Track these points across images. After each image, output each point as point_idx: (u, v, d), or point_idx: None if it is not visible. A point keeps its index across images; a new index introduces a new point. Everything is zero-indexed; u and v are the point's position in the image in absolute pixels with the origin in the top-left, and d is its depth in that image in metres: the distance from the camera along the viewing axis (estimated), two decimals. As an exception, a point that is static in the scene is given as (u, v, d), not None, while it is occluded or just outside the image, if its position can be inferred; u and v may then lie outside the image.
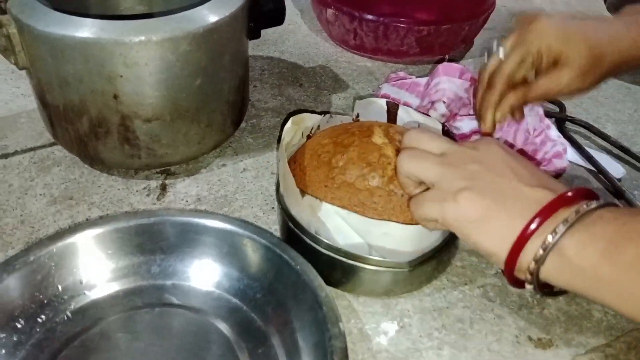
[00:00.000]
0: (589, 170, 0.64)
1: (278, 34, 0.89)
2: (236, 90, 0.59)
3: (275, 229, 0.53)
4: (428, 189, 0.40)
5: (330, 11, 0.81)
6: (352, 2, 0.79)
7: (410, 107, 0.67)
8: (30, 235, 0.51)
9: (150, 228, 0.46)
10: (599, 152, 0.66)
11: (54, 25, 0.48)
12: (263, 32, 0.61)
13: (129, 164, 0.57)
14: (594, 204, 0.34)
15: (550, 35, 0.50)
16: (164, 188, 0.58)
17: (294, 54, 0.84)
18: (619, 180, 0.62)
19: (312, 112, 0.58)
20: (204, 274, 0.47)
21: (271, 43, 0.86)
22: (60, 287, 0.44)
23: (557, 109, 0.72)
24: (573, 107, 0.74)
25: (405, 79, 0.71)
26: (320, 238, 0.45)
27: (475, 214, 0.36)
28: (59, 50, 0.49)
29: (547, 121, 0.63)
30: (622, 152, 0.66)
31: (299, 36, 0.90)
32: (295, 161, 0.50)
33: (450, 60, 0.73)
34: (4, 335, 0.41)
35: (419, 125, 0.54)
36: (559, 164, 0.60)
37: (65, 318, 0.43)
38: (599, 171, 0.62)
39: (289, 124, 0.51)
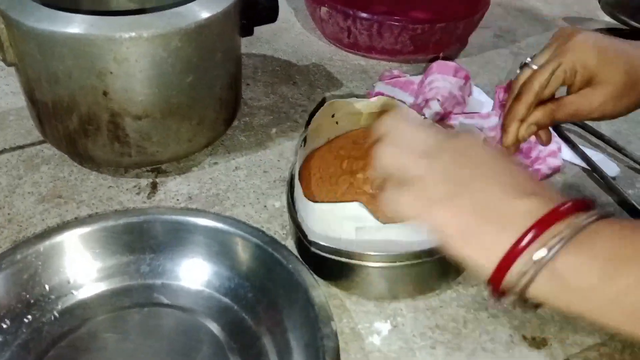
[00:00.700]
0: (584, 169, 0.63)
1: (271, 32, 0.88)
2: (228, 87, 0.59)
3: (268, 227, 0.53)
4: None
5: (324, 9, 0.81)
6: (346, 0, 0.79)
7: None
8: (18, 234, 0.51)
9: (139, 227, 0.46)
10: (593, 150, 0.66)
11: (43, 21, 0.47)
12: (256, 30, 0.60)
13: (119, 162, 0.56)
14: (589, 218, 0.31)
15: (588, 52, 0.47)
16: (154, 186, 0.57)
17: (288, 52, 0.84)
18: (614, 178, 0.61)
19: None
20: (194, 273, 0.46)
21: (264, 41, 0.86)
22: (47, 287, 0.43)
23: (552, 108, 0.72)
24: (567, 106, 0.74)
25: (400, 77, 0.71)
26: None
27: (461, 223, 0.33)
28: (48, 47, 0.48)
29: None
30: (616, 150, 0.66)
31: (292, 34, 0.89)
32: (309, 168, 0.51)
33: (444, 59, 0.73)
34: None
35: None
36: (553, 162, 0.60)
37: (52, 318, 0.43)
38: (594, 170, 0.62)
39: (324, 107, 0.52)
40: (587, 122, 0.69)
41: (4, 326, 0.41)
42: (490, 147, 0.37)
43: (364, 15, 0.78)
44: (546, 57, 0.49)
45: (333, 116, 0.54)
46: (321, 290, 0.41)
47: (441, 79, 0.63)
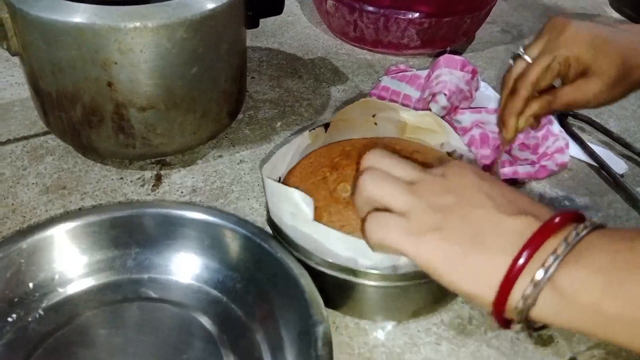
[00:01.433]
0: (591, 166, 0.63)
1: (277, 25, 0.88)
2: (233, 80, 0.58)
3: (272, 221, 0.53)
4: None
5: (330, 2, 0.80)
6: (352, -6, 0.78)
7: (411, 100, 0.66)
8: (22, 224, 0.50)
9: (124, 221, 0.45)
10: (601, 147, 0.65)
11: (47, 10, 0.47)
12: (262, 23, 0.60)
13: (124, 153, 0.56)
14: (583, 231, 0.30)
15: (581, 44, 0.48)
16: (158, 178, 0.57)
17: (293, 45, 0.83)
18: (621, 176, 0.61)
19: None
20: (181, 267, 0.46)
21: (270, 34, 0.85)
22: (31, 285, 0.42)
23: (559, 104, 0.71)
24: (575, 102, 0.73)
25: (406, 71, 0.70)
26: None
27: (451, 254, 0.32)
28: (52, 36, 0.48)
29: (550, 116, 0.62)
30: (624, 148, 0.65)
31: (298, 28, 0.89)
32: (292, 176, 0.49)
33: (451, 53, 0.72)
34: None
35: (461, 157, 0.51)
36: (560, 159, 0.59)
37: (38, 316, 0.42)
38: (601, 167, 0.62)
39: (362, 103, 0.51)
40: (594, 119, 0.69)
41: None
42: (476, 172, 0.35)
43: (371, 8, 0.77)
44: (539, 48, 0.50)
45: (374, 116, 0.53)
46: (310, 279, 0.40)
47: (448, 73, 0.63)
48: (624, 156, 0.64)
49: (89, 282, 0.44)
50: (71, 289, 0.44)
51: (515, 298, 0.30)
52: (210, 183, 0.57)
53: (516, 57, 0.51)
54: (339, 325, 0.44)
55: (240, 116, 0.66)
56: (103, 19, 0.47)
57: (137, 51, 0.48)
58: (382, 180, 0.35)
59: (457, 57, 0.64)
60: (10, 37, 0.49)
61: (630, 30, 0.50)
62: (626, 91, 0.49)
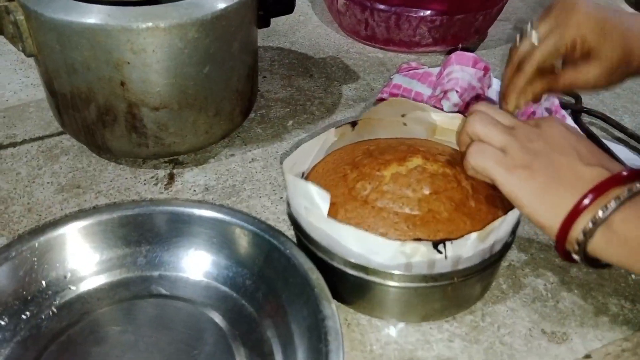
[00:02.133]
0: (606, 162, 0.62)
1: (288, 25, 0.88)
2: (245, 79, 0.58)
3: (284, 218, 0.53)
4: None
5: (341, 1, 0.80)
6: (363, -8, 0.78)
7: (422, 98, 0.66)
8: (37, 222, 0.51)
9: (134, 219, 0.45)
10: (615, 144, 0.64)
11: (61, 12, 0.48)
12: (273, 23, 0.60)
13: (137, 152, 0.56)
14: None
15: (588, 27, 0.48)
16: (171, 177, 0.57)
17: (305, 45, 0.83)
18: (637, 172, 0.60)
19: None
20: (191, 264, 0.46)
21: (281, 34, 0.85)
22: (44, 283, 0.43)
23: (573, 101, 0.70)
24: (589, 99, 0.72)
25: (418, 68, 0.70)
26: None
27: (533, 188, 0.38)
28: (66, 37, 0.48)
29: (563, 112, 0.62)
30: (639, 144, 0.64)
31: (309, 27, 0.89)
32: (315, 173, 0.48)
33: (463, 50, 0.72)
34: None
35: None
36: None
37: (51, 313, 0.42)
38: (616, 163, 0.61)
39: (391, 102, 0.51)
40: (608, 115, 0.68)
41: (2, 323, 0.40)
42: (566, 127, 0.41)
43: (382, 7, 0.77)
44: (547, 27, 0.51)
45: (403, 116, 0.52)
46: (319, 274, 0.40)
47: (460, 70, 0.62)
48: (639, 152, 0.63)
49: (100, 280, 0.45)
50: (83, 287, 0.44)
51: (577, 231, 0.37)
52: (222, 181, 0.57)
53: (523, 33, 0.52)
54: (350, 322, 0.44)
55: (252, 115, 0.66)
56: (116, 19, 0.47)
57: (150, 51, 0.49)
58: (488, 121, 0.42)
59: (468, 54, 0.64)
60: (26, 38, 0.50)
61: (634, 15, 0.51)
62: (624, 78, 0.51)
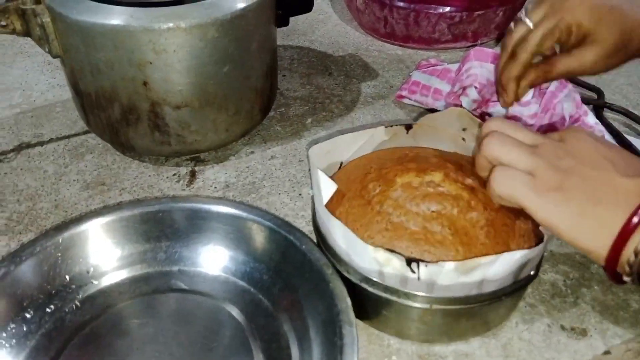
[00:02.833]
0: (628, 158, 0.61)
1: (308, 24, 0.88)
2: (264, 77, 0.59)
3: (302, 214, 0.53)
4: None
5: (360, -1, 0.81)
6: (382, -10, 0.79)
7: (441, 94, 0.66)
8: (64, 219, 0.53)
9: (155, 216, 0.46)
10: (638, 139, 0.63)
11: (85, 13, 0.49)
12: (293, 22, 0.61)
13: (159, 150, 0.58)
14: None
15: (584, 12, 0.48)
16: (193, 174, 0.59)
17: (324, 43, 0.84)
18: (660, 168, 0.59)
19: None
20: (210, 259, 0.47)
21: (301, 33, 0.86)
22: (67, 277, 0.44)
23: (595, 96, 0.70)
24: (612, 94, 0.71)
25: (437, 65, 0.70)
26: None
27: (571, 211, 0.34)
28: (90, 38, 0.50)
29: (585, 108, 0.61)
30: (663, 139, 0.63)
31: (329, 25, 0.89)
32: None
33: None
34: (14, 325, 0.41)
35: None
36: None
37: (74, 307, 0.44)
38: (639, 159, 0.60)
39: (453, 112, 0.49)
40: (631, 110, 0.67)
41: (28, 316, 0.42)
42: (594, 137, 0.37)
43: (401, 4, 0.77)
44: (541, 13, 0.49)
45: (464, 130, 0.49)
46: (334, 269, 0.41)
47: (479, 66, 0.62)
48: (663, 148, 0.63)
49: (122, 275, 0.46)
50: (105, 281, 0.46)
51: (628, 252, 0.33)
52: (242, 178, 0.58)
53: (517, 20, 0.51)
54: (368, 317, 0.45)
55: (271, 113, 0.67)
56: (138, 20, 0.49)
57: (171, 51, 0.50)
58: (508, 143, 0.37)
59: (487, 49, 0.64)
60: (52, 40, 0.52)
61: (634, 2, 0.49)
62: (622, 61, 0.49)
